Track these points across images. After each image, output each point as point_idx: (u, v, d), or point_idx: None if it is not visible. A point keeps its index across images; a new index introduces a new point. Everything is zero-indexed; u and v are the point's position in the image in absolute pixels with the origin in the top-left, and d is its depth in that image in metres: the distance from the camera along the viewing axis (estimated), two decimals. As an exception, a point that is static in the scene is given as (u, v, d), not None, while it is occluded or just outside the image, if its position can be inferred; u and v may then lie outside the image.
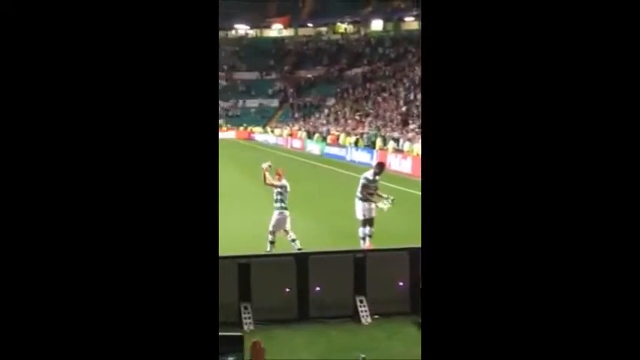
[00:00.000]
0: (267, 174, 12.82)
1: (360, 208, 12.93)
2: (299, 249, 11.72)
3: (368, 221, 12.82)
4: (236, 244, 12.84)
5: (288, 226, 12.61)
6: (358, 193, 13.00)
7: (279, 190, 12.67)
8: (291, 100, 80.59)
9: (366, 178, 13.08)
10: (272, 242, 12.56)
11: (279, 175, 12.87)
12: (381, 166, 13.84)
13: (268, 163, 13.05)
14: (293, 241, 12.44)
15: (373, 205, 12.90)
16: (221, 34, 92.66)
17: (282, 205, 12.65)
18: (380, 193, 13.20)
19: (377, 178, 13.19)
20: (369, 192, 12.91)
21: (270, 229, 12.63)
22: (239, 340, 4.36)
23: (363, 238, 12.83)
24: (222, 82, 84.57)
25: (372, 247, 11.77)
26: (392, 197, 13.04)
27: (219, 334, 4.66)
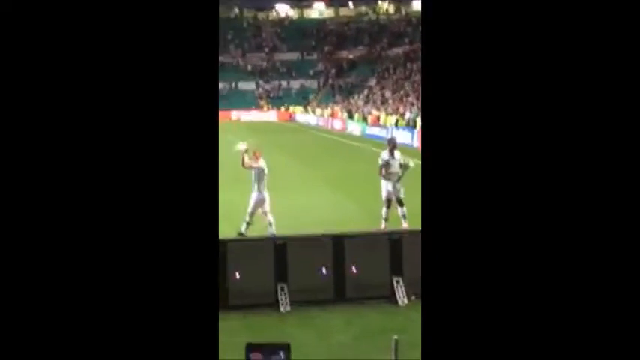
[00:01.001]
0: (245, 157, 12.72)
1: (383, 188, 13.04)
2: (273, 234, 11.60)
3: (392, 201, 12.93)
4: (278, 224, 12.96)
5: (267, 208, 12.57)
6: (380, 175, 13.13)
7: (256, 172, 12.62)
8: (331, 81, 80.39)
9: (382, 159, 13.17)
10: (248, 224, 12.54)
11: (257, 156, 12.79)
12: (392, 142, 13.78)
13: (245, 146, 12.90)
14: (270, 225, 12.40)
15: (398, 185, 12.93)
16: (261, 14, 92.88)
17: (260, 186, 12.61)
18: (403, 162, 13.24)
19: (395, 155, 13.20)
20: (389, 171, 12.96)
21: (249, 210, 12.63)
22: (286, 348, 4.36)
23: (386, 219, 12.94)
24: (262, 64, 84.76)
25: (408, 228, 11.80)
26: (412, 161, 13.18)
27: (266, 343, 4.70)
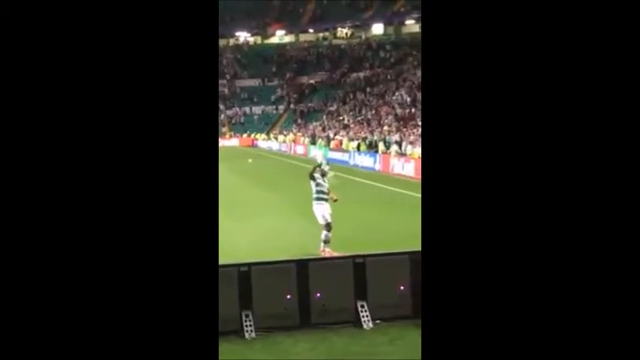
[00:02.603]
0: None
1: (318, 213, 12.91)
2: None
3: (328, 225, 12.79)
4: (237, 251, 12.91)
5: None
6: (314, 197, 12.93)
7: None
8: (293, 106, 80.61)
9: (316, 182, 12.93)
10: None
11: None
12: (320, 167, 13.42)
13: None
14: None
15: (328, 208, 12.85)
16: (222, 41, 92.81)
17: None
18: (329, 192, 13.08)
19: (325, 178, 13.05)
20: (322, 194, 12.84)
21: None
22: None
23: (326, 242, 12.79)
24: (224, 90, 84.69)
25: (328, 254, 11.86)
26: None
27: None
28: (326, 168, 13.14)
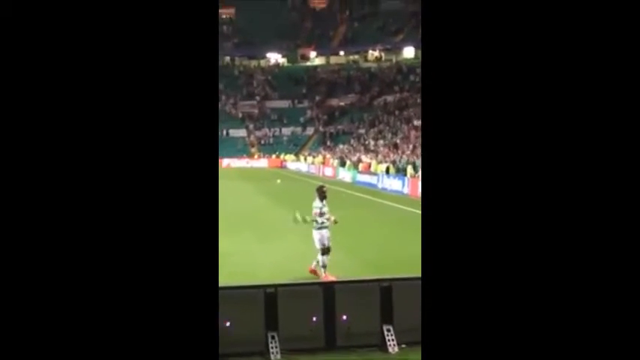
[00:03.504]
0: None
1: (317, 238, 12.81)
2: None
3: (326, 250, 12.73)
4: (262, 272, 12.93)
5: None
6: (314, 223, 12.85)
7: None
8: (322, 129, 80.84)
9: (316, 206, 12.87)
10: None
11: None
12: (321, 190, 13.32)
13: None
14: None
15: (328, 234, 12.82)
16: (253, 62, 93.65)
17: None
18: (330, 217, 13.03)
19: (324, 202, 13.01)
20: (324, 219, 12.78)
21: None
22: None
23: (324, 266, 12.74)
24: (254, 111, 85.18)
25: (331, 279, 11.80)
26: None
27: None
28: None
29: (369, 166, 47.29)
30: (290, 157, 74.03)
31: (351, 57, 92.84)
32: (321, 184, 13.90)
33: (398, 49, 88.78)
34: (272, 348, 8.74)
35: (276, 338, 8.80)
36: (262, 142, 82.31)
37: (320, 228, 12.76)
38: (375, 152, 53.50)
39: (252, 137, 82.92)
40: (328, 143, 74.42)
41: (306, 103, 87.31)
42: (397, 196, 33.97)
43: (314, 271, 12.72)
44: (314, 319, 8.97)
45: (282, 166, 71.79)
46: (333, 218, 12.86)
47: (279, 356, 8.71)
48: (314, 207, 12.92)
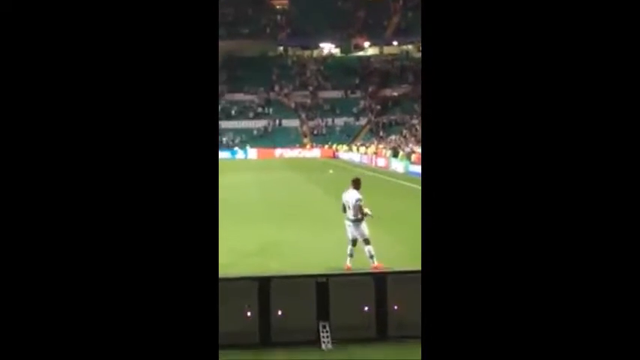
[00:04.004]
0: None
1: (361, 229, 12.72)
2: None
3: (368, 240, 12.70)
4: (313, 262, 12.99)
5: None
6: (351, 216, 12.72)
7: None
8: (375, 119, 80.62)
9: (357, 199, 12.73)
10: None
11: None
12: (357, 181, 13.22)
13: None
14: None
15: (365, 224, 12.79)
16: (306, 52, 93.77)
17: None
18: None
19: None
20: (362, 211, 12.71)
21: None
22: None
23: (351, 255, 12.77)
24: (307, 101, 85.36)
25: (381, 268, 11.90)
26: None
27: None
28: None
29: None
30: (342, 147, 74.01)
31: (405, 47, 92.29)
32: (356, 175, 13.90)
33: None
34: (323, 337, 8.77)
35: (328, 328, 8.83)
36: (315, 132, 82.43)
37: (363, 219, 12.74)
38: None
39: (304, 127, 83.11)
40: (381, 134, 74.24)
41: (359, 94, 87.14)
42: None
43: (349, 268, 12.62)
44: (365, 308, 8.98)
45: (335, 157, 71.85)
46: (366, 209, 12.86)
47: (330, 345, 8.73)
48: (355, 199, 12.79)
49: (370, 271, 9.65)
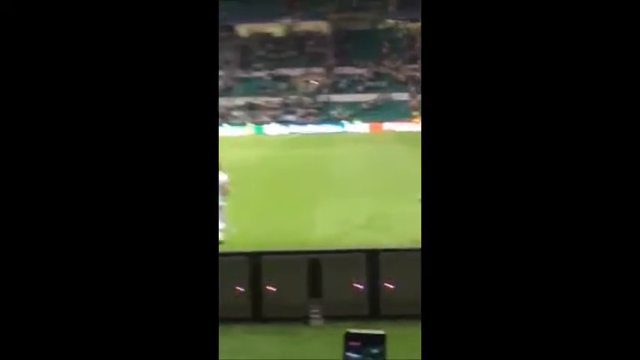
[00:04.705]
0: None
1: None
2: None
3: None
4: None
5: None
6: None
7: None
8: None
9: None
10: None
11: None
12: None
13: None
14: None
15: None
16: (416, 25, 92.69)
17: None
18: None
19: None
20: None
21: None
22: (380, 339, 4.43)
23: None
24: (416, 75, 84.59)
25: None
26: None
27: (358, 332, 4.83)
28: None
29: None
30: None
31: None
32: None
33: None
34: (314, 314, 8.81)
35: (319, 304, 8.86)
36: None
37: None
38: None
39: (414, 101, 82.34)
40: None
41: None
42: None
43: None
44: (358, 286, 8.94)
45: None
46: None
47: (321, 322, 8.77)
48: None
49: (362, 247, 9.57)
